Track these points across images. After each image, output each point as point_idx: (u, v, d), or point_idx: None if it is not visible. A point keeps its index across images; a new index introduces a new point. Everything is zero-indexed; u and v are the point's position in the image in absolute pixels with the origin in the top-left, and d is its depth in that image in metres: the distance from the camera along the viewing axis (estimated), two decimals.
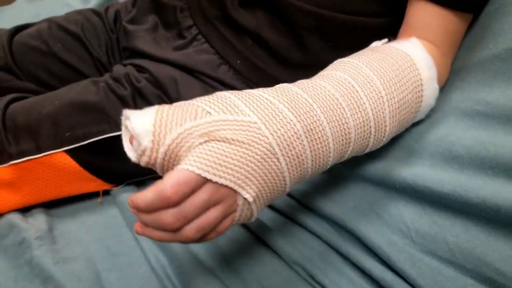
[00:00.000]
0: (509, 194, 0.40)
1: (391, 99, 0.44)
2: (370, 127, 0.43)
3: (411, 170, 0.49)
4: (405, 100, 0.46)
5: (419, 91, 0.48)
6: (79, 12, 0.74)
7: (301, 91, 0.40)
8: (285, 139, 0.37)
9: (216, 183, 0.34)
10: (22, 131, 0.56)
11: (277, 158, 0.36)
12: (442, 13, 0.51)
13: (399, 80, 0.46)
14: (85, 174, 0.58)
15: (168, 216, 0.33)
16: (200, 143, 0.34)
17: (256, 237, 0.54)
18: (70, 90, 0.60)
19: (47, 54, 0.69)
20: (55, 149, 0.56)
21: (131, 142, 0.37)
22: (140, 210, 0.34)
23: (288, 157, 0.37)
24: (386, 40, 0.53)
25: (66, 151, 0.56)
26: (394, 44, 0.50)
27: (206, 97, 0.38)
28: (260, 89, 0.40)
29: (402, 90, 0.45)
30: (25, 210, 0.60)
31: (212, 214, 0.35)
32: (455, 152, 0.46)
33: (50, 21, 0.72)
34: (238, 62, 0.60)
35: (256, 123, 0.36)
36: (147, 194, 0.33)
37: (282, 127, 0.37)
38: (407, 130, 0.53)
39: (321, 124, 0.39)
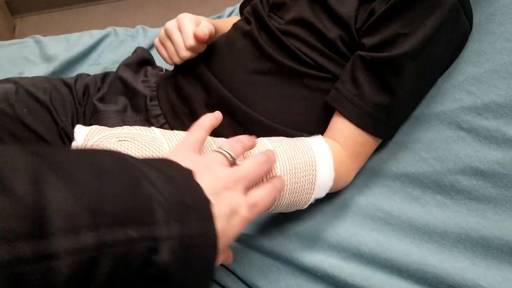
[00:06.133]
0: None
1: (283, 160, 0.56)
2: None
3: (330, 260, 0.62)
4: (298, 167, 0.57)
5: (312, 165, 0.58)
6: (48, 79, 0.79)
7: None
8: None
9: None
10: None
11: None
12: (355, 128, 0.63)
13: (293, 151, 0.58)
14: None
15: None
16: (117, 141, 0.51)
17: None
18: None
19: (11, 117, 0.72)
20: None
21: None
22: None
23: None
24: None
25: None
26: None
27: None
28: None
29: (294, 158, 0.57)
30: None
31: None
32: (362, 250, 0.61)
33: (17, 83, 0.75)
34: None
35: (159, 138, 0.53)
36: None
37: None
38: (327, 225, 0.67)
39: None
